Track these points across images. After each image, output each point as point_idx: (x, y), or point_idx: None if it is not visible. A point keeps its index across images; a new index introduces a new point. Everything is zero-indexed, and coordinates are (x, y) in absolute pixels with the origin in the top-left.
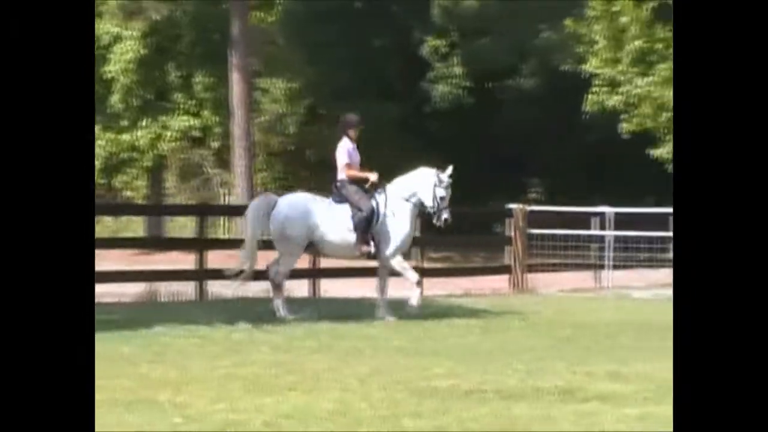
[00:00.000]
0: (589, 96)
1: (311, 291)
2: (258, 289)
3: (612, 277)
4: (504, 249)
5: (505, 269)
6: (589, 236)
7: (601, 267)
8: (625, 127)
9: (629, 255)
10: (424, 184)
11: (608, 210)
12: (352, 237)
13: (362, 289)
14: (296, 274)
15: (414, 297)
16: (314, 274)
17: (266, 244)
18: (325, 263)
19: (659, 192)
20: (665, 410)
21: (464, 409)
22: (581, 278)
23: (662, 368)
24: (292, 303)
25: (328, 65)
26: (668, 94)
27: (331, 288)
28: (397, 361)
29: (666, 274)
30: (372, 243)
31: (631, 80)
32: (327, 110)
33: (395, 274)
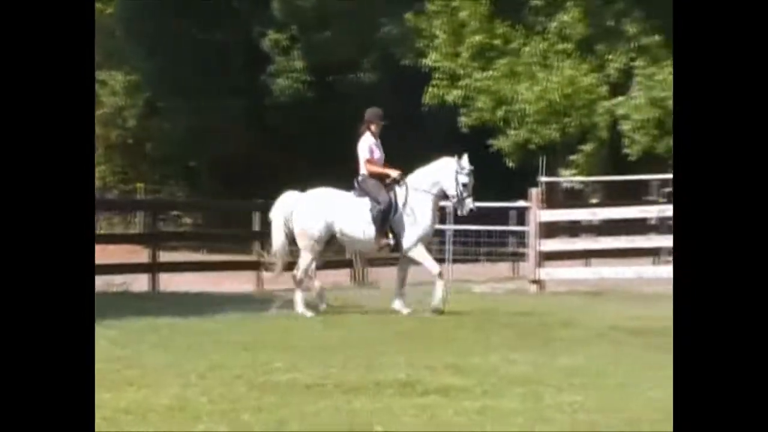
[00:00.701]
0: (429, 89)
1: (151, 285)
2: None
3: (452, 270)
4: None
5: (346, 263)
6: None
7: (442, 260)
8: (464, 120)
9: (469, 249)
10: (445, 173)
11: (448, 204)
12: (371, 230)
13: (202, 284)
14: (137, 269)
15: (435, 297)
16: (154, 268)
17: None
18: (165, 257)
19: (499, 186)
20: (504, 403)
21: (304, 404)
22: (422, 271)
23: (500, 361)
24: (136, 298)
25: (168, 58)
26: (507, 87)
27: (171, 283)
28: (237, 356)
29: (505, 268)
30: (391, 235)
31: (470, 74)
32: (166, 103)
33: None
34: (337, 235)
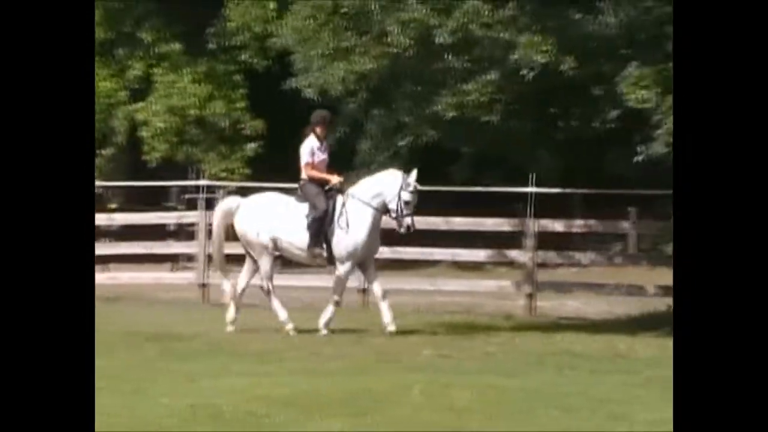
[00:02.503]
0: None
1: None
2: None
3: None
4: None
5: None
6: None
7: None
8: None
9: None
10: (389, 187)
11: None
12: (307, 239)
13: None
14: None
15: (321, 320)
16: None
17: None
18: None
19: None
20: None
21: None
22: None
23: None
24: None
25: None
26: None
27: None
28: None
29: None
30: (325, 246)
31: None
32: None
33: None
34: (277, 244)
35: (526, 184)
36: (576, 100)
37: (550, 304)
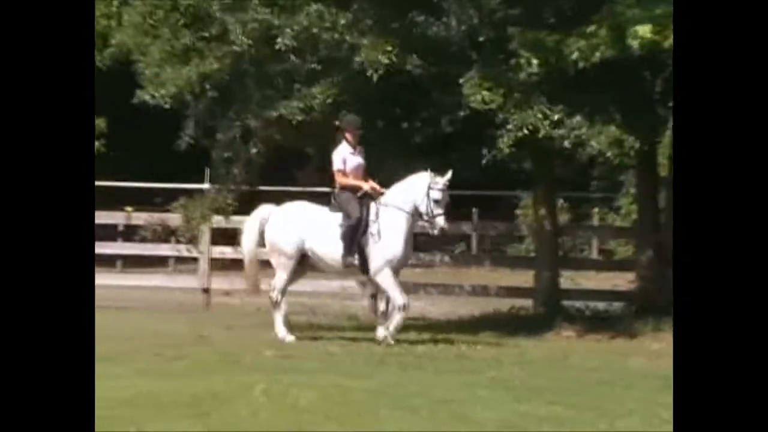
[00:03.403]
0: None
1: None
2: None
3: None
4: None
5: None
6: None
7: None
8: None
9: None
10: (417, 189)
11: None
12: (340, 248)
13: None
14: None
15: (384, 328)
16: None
17: None
18: None
19: None
20: None
21: None
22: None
23: None
24: None
25: None
26: None
27: None
28: None
29: None
30: (357, 255)
31: None
32: None
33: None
34: (308, 253)
35: None
36: (421, 101)
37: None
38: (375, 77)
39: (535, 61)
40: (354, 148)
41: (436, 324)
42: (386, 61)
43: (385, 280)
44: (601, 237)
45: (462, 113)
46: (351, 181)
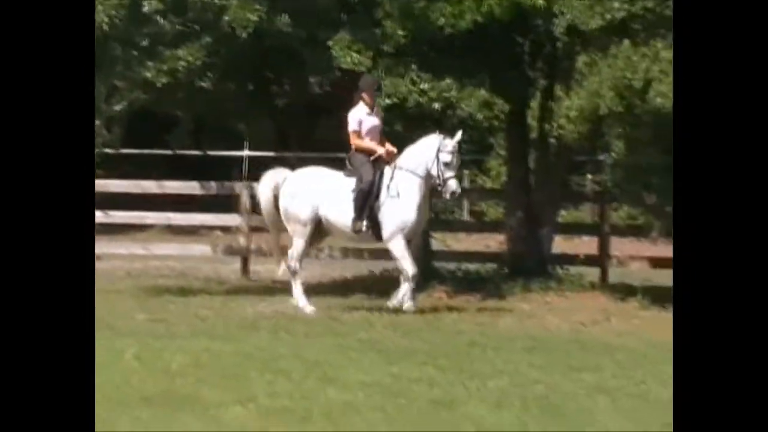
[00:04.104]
0: None
1: None
2: None
3: None
4: None
5: None
6: None
7: None
8: None
9: None
10: (427, 151)
11: None
12: (351, 213)
13: None
14: None
15: (398, 295)
16: None
17: None
18: None
19: None
20: None
21: None
22: None
23: None
24: None
25: None
26: None
27: None
28: None
29: None
30: (366, 221)
31: None
32: None
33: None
34: (322, 219)
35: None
36: (290, 64)
37: (264, 268)
38: (244, 35)
39: (400, 32)
40: (371, 109)
41: (309, 287)
42: (255, 18)
43: (397, 247)
44: (471, 199)
45: (330, 76)
46: (365, 143)
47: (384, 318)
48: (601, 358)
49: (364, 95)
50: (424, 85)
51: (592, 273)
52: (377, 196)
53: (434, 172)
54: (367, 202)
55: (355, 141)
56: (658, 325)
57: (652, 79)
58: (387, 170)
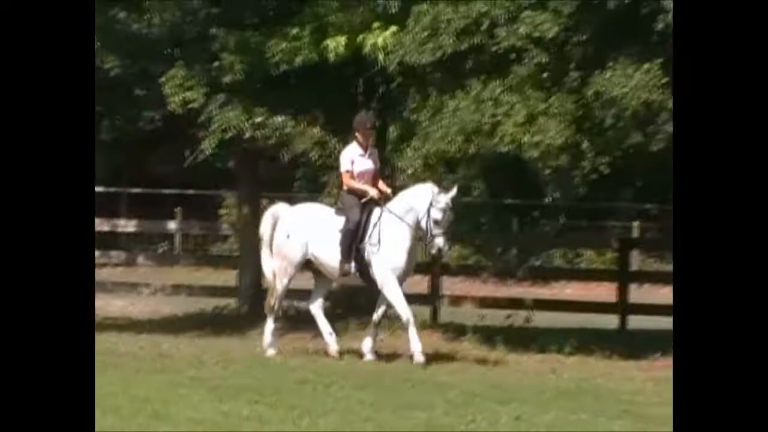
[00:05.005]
0: None
1: None
2: None
3: None
4: None
5: None
6: None
7: None
8: None
9: None
10: (420, 202)
11: None
12: (338, 254)
13: None
14: None
15: (411, 346)
16: None
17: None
18: None
19: None
20: None
21: None
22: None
23: None
24: None
25: None
26: None
27: None
28: None
29: None
30: (354, 263)
31: None
32: None
33: None
34: (311, 258)
35: None
36: (121, 99)
37: (97, 304)
38: None
39: (238, 66)
40: (365, 149)
41: (138, 323)
42: None
43: (392, 292)
44: None
45: (162, 111)
46: (357, 184)
47: (214, 355)
48: (433, 397)
49: (357, 135)
50: (258, 119)
51: (423, 312)
52: (362, 239)
53: (423, 225)
54: (352, 243)
55: (347, 181)
56: (488, 364)
57: (499, 122)
58: (376, 212)
